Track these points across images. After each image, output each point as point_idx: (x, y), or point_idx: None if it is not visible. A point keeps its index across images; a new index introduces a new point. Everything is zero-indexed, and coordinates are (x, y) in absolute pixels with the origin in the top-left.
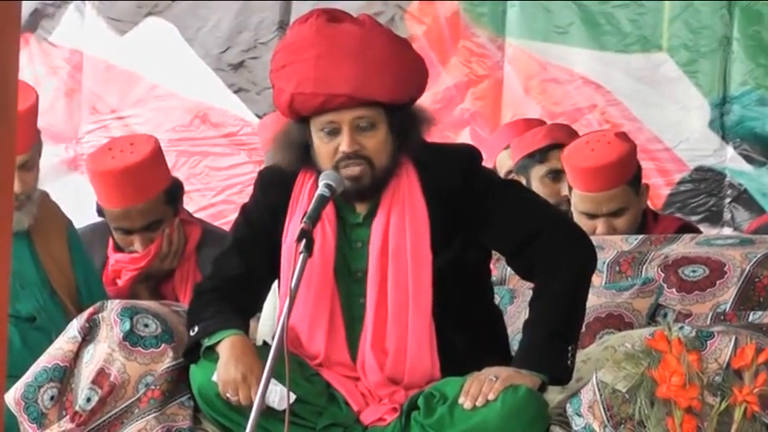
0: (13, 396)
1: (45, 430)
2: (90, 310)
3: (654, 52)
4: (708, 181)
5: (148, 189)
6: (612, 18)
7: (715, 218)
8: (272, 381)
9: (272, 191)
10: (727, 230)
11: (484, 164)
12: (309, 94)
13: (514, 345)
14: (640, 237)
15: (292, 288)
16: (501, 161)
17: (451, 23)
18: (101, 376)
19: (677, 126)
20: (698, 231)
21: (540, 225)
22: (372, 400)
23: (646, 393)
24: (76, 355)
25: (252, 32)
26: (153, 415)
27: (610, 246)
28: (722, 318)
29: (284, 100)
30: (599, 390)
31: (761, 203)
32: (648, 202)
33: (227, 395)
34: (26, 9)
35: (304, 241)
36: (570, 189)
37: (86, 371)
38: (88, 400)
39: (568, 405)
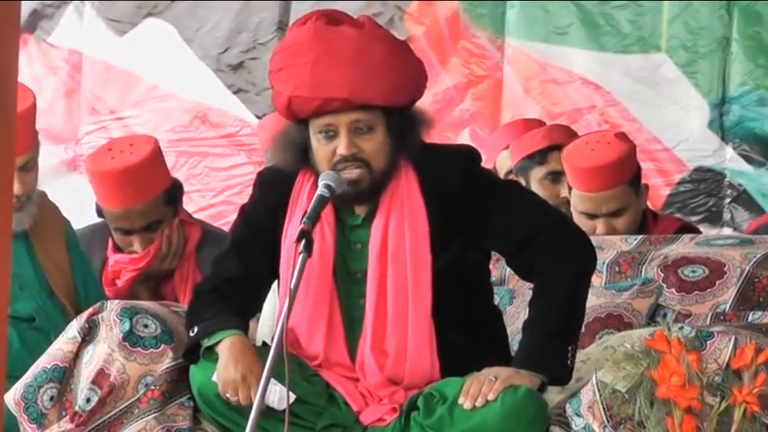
0: (12, 396)
1: (45, 431)
2: (90, 310)
3: (653, 53)
4: (707, 181)
5: (148, 190)
6: (612, 19)
7: (715, 218)
8: (272, 381)
9: (271, 192)
10: (727, 231)
11: (483, 164)
12: (306, 98)
13: (514, 345)
14: (640, 237)
15: (292, 288)
16: (501, 161)
17: (451, 24)
18: (100, 377)
19: (676, 126)
20: (697, 232)
21: (539, 225)
22: (372, 400)
23: (645, 394)
24: (76, 356)
25: (251, 33)
26: (153, 415)
27: (609, 246)
28: (722, 318)
29: (282, 102)
30: (599, 390)
31: (760, 204)
32: (648, 203)
33: (227, 395)
34: (25, 10)
35: (303, 241)
36: (570, 189)
37: (86, 371)
38: (88, 400)
39: (568, 405)
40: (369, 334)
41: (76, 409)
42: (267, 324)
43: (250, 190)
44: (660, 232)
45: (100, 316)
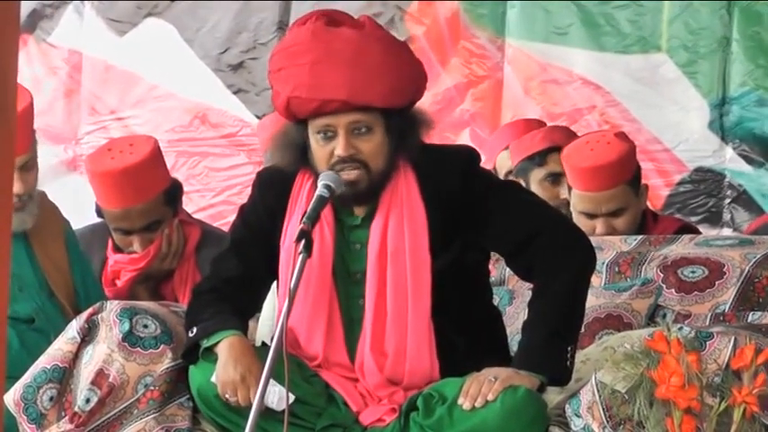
0: (12, 397)
1: (44, 431)
2: (89, 310)
3: (653, 53)
4: (707, 182)
5: (148, 190)
6: (612, 19)
7: (714, 218)
8: (271, 381)
9: (271, 192)
10: (727, 231)
11: (483, 165)
12: (305, 99)
13: (514, 345)
14: (640, 237)
15: (291, 288)
16: (501, 162)
17: (451, 24)
18: (100, 377)
19: (676, 127)
20: (697, 232)
21: (539, 225)
22: (371, 400)
23: (645, 394)
24: (76, 356)
25: (251, 33)
26: (152, 416)
27: (609, 246)
28: (721, 318)
29: (281, 102)
30: (598, 390)
31: (760, 204)
32: (648, 203)
33: (226, 396)
34: (24, 10)
35: (303, 241)
36: (570, 189)
37: (85, 371)
38: (87, 400)
39: (567, 406)
40: (368, 334)
41: (76, 409)
42: (266, 324)
43: (250, 190)
44: (660, 233)
45: (99, 316)
